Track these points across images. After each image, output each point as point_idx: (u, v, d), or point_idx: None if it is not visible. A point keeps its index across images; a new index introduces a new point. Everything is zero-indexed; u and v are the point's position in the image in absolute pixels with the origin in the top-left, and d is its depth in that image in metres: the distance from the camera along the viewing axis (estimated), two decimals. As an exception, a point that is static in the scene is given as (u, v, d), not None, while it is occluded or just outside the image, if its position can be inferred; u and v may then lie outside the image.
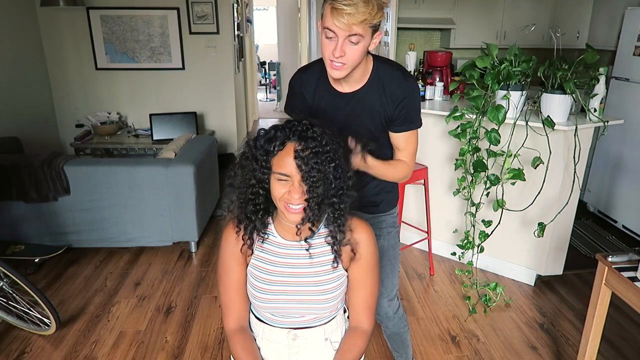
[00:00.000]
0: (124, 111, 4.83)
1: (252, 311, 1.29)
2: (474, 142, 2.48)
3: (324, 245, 1.20)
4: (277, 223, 1.21)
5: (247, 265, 1.22)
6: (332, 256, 1.19)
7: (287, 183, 1.07)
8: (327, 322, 1.25)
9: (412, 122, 1.43)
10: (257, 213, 1.16)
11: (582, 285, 2.80)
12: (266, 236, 1.20)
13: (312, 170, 1.05)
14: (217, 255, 2.95)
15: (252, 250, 1.20)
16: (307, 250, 1.18)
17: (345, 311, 1.33)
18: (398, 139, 1.45)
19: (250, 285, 1.21)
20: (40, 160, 2.86)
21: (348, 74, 1.30)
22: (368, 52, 1.35)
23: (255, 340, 1.27)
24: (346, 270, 1.23)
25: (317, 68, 1.43)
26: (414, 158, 1.49)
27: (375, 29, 1.24)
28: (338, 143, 1.11)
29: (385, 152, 1.50)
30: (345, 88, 1.40)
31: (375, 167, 1.37)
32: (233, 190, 1.17)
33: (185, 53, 4.66)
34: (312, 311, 1.20)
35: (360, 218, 1.25)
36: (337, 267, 1.19)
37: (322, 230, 1.21)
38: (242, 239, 1.19)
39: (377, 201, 1.60)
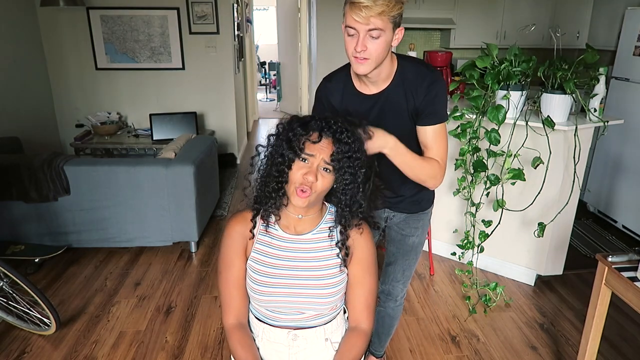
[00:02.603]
0: (124, 111, 4.82)
1: (251, 311, 1.29)
2: (474, 142, 2.48)
3: (326, 240, 1.23)
4: (281, 216, 1.24)
5: (247, 260, 1.23)
6: (333, 251, 1.22)
7: (306, 165, 1.13)
8: (327, 323, 1.25)
9: (439, 114, 1.42)
10: (279, 191, 1.18)
11: (582, 285, 2.80)
12: (270, 226, 1.23)
13: (346, 174, 1.14)
14: (217, 254, 2.94)
15: (254, 234, 1.23)
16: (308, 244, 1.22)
17: (345, 312, 1.33)
18: (426, 134, 1.42)
19: (249, 279, 1.22)
20: (40, 160, 2.86)
21: (373, 70, 1.31)
22: (393, 52, 1.38)
23: (254, 339, 1.27)
24: (346, 268, 1.25)
25: (342, 75, 1.45)
26: (445, 157, 1.43)
27: (397, 24, 1.26)
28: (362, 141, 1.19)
29: (413, 147, 1.47)
30: (371, 89, 1.42)
31: (401, 150, 1.30)
32: (252, 170, 1.24)
33: (185, 53, 4.66)
34: (312, 306, 1.21)
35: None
36: (341, 268, 1.23)
37: (323, 226, 1.24)
38: (252, 221, 1.23)
39: (419, 199, 1.62)
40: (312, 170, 1.13)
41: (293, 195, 1.15)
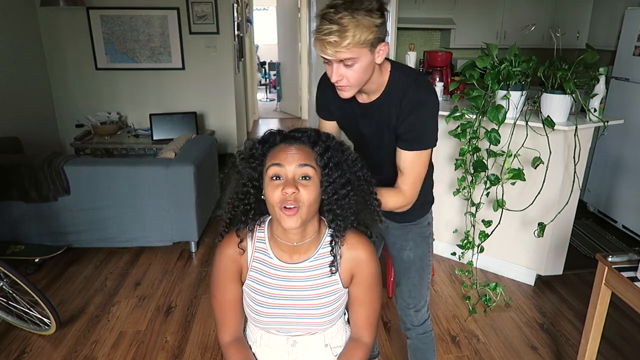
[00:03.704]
0: (124, 111, 4.83)
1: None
2: (474, 142, 2.48)
3: (324, 266, 1.16)
4: (274, 243, 1.16)
5: (243, 284, 1.19)
6: (332, 277, 1.16)
7: (281, 182, 1.04)
8: (327, 329, 1.23)
9: (418, 141, 1.31)
10: (249, 213, 1.12)
11: (582, 285, 2.80)
12: (264, 253, 1.17)
13: (332, 172, 1.07)
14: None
15: (249, 267, 1.17)
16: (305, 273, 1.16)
17: (345, 314, 1.31)
18: (402, 157, 1.33)
19: (246, 304, 1.20)
20: (40, 160, 2.86)
21: (360, 89, 1.28)
22: (387, 59, 1.31)
23: (251, 348, 1.25)
24: (346, 288, 1.20)
25: None
26: (415, 185, 1.35)
27: (374, 45, 1.17)
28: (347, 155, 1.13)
29: (391, 163, 1.40)
30: (364, 98, 1.37)
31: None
32: (223, 195, 1.19)
33: (185, 53, 4.67)
34: (310, 326, 1.19)
35: (360, 234, 1.19)
36: (335, 276, 1.16)
37: (321, 251, 1.17)
38: (237, 236, 1.16)
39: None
40: (289, 182, 1.02)
41: (281, 218, 1.03)
